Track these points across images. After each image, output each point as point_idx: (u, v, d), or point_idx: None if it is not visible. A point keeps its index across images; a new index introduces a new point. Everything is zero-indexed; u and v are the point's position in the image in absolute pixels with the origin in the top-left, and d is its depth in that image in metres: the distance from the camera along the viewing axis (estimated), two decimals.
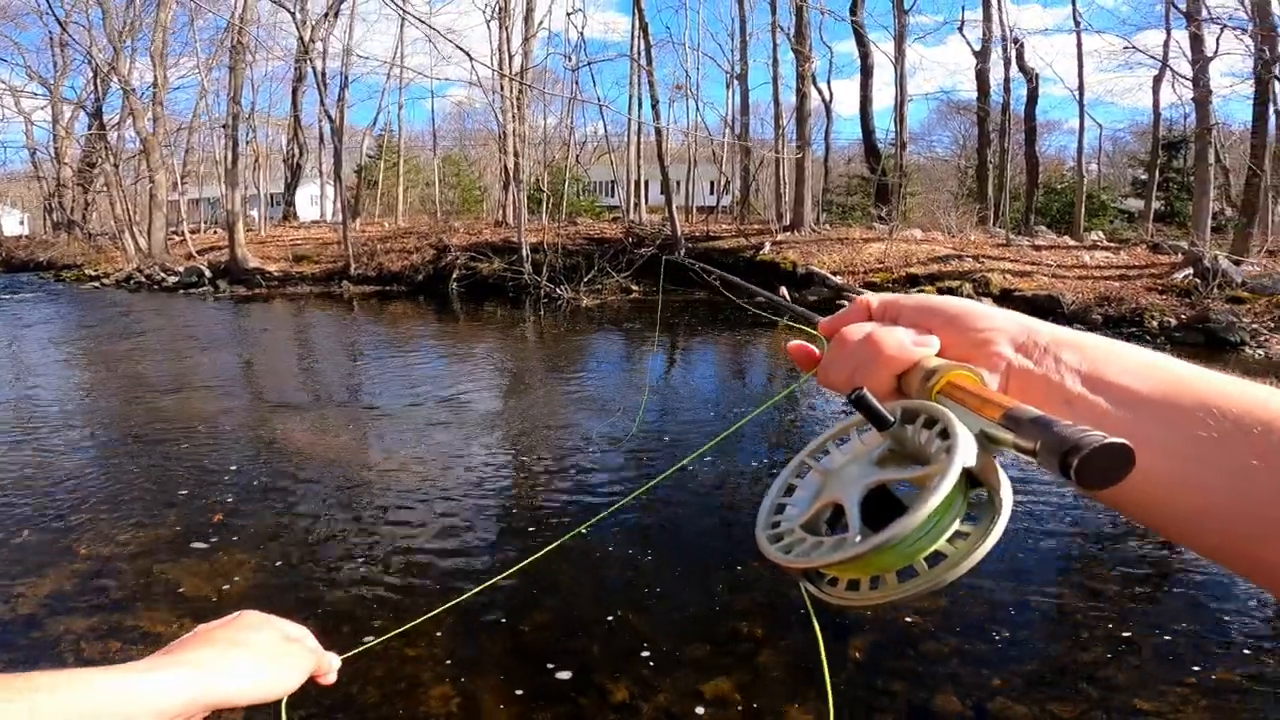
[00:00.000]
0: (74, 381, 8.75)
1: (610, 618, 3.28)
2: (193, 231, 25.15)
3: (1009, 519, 0.35)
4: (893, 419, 0.39)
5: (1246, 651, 2.91)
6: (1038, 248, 15.21)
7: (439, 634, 3.12)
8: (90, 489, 4.85)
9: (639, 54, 18.81)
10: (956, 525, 0.36)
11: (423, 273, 17.53)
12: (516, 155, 18.67)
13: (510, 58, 19.84)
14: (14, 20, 28.04)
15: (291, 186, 30.07)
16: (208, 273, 19.15)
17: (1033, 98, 19.94)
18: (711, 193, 27.74)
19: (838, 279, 14.10)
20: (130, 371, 9.21)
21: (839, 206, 20.67)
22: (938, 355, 0.42)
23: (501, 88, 19.04)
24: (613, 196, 35.56)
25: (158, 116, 22.79)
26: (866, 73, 20.41)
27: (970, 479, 0.36)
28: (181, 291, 18.59)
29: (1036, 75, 19.79)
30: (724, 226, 19.13)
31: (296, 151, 29.41)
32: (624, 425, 6.32)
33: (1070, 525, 4.23)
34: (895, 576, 0.37)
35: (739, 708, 2.67)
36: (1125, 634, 3.10)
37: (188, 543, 3.99)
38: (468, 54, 7.44)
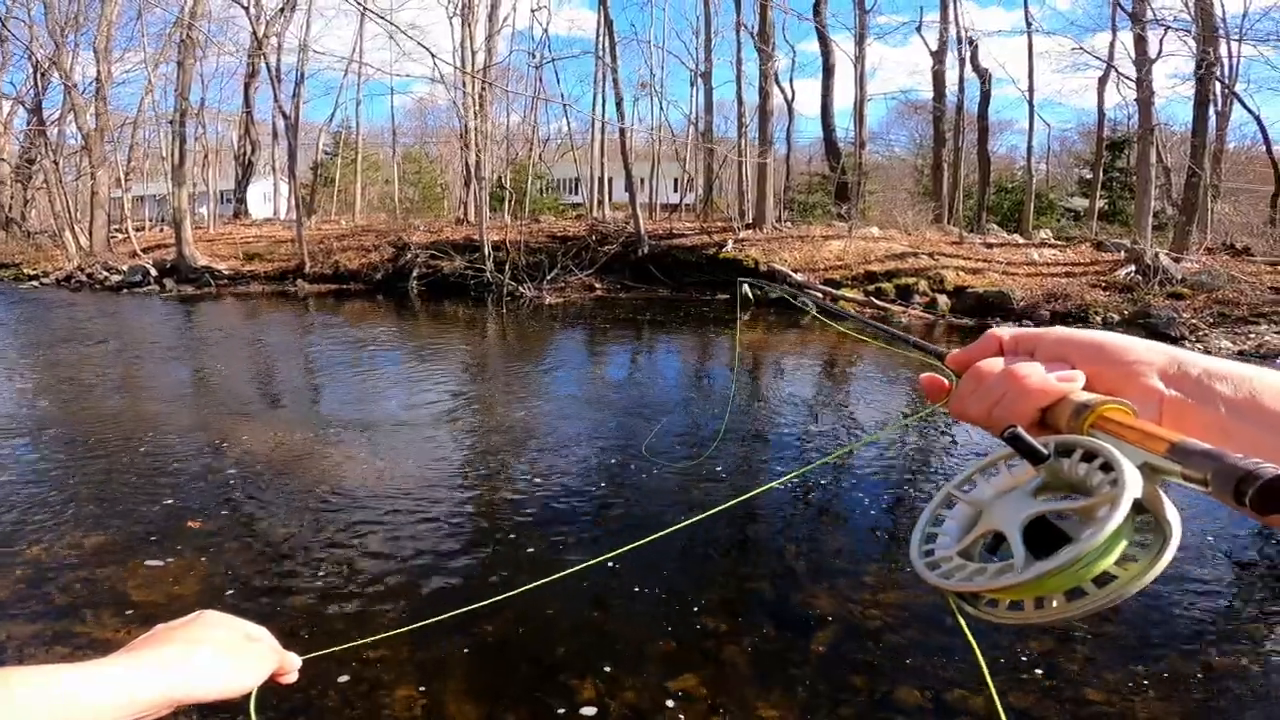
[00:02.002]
0: (11, 384, 8.33)
1: (575, 616, 3.27)
2: (138, 229, 24.20)
3: (1179, 543, 0.38)
4: (1047, 453, 0.42)
5: (1194, 642, 3.03)
6: (989, 245, 15.66)
7: (402, 634, 3.06)
8: (32, 496, 4.63)
9: (604, 51, 18.76)
10: (1123, 549, 0.39)
11: (381, 271, 17.19)
12: (479, 152, 18.45)
13: (473, 54, 19.56)
14: None
15: (243, 183, 29.12)
16: (153, 271, 18.43)
17: (985, 98, 20.53)
18: (675, 190, 27.84)
19: (799, 276, 14.30)
20: (71, 374, 8.81)
21: (800, 204, 20.94)
22: (1083, 389, 0.45)
23: (464, 85, 18.77)
24: (577, 194, 35.47)
25: (100, 112, 21.90)
26: (828, 72, 20.74)
27: (1136, 507, 0.39)
28: (125, 291, 17.86)
29: (989, 76, 20.36)
30: (687, 224, 19.21)
31: (249, 148, 28.49)
32: (598, 425, 6.31)
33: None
34: (1064, 597, 0.40)
35: (707, 703, 2.68)
36: (1075, 623, 3.22)
37: (134, 550, 3.85)
38: (430, 51, 7.32)
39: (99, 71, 21.49)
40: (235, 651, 0.63)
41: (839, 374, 9.11)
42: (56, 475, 5.10)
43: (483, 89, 18.12)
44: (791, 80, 22.16)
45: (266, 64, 21.11)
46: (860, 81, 20.56)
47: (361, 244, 19.03)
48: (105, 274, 18.88)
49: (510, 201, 19.23)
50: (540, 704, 2.68)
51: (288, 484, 4.94)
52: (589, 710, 2.64)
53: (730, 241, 15.99)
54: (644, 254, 15.99)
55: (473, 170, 18.96)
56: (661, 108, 24.57)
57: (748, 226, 17.38)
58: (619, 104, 17.94)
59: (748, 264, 15.02)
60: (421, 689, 2.73)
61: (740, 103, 19.03)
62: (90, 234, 21.64)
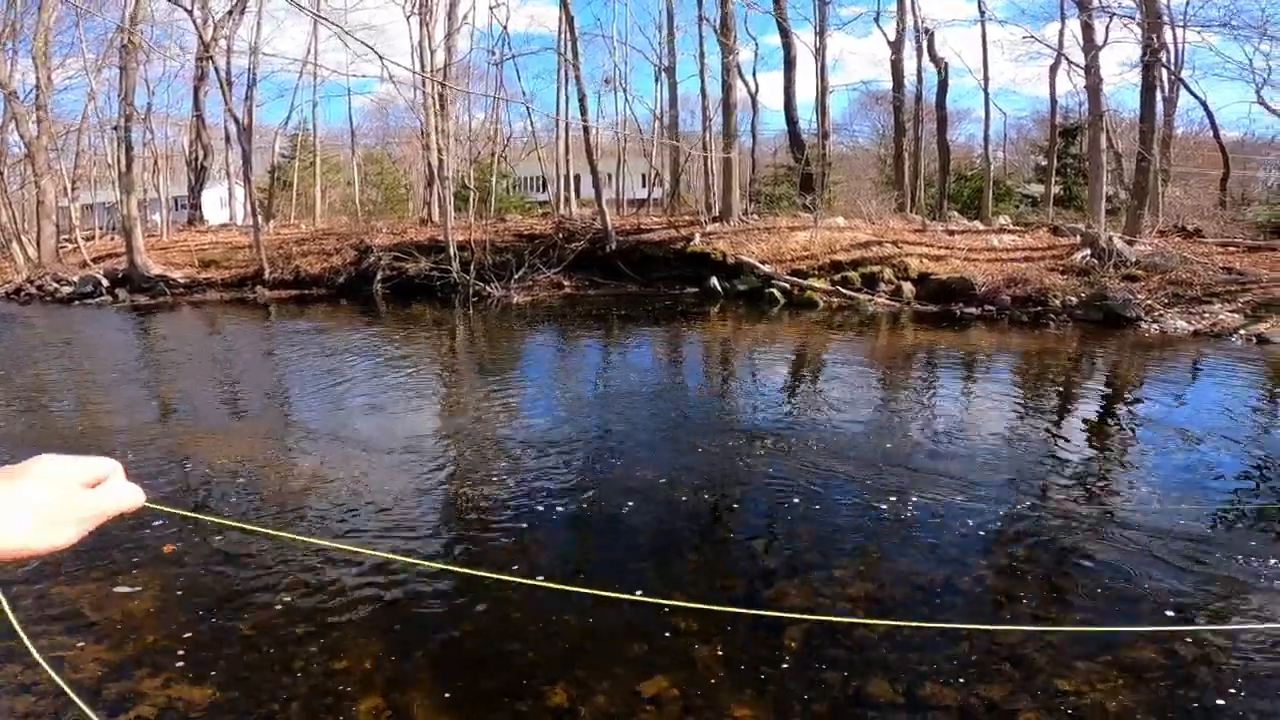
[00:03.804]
0: None
1: (544, 620, 3.22)
2: (87, 238, 23.36)
3: None
4: None
5: (1161, 631, 3.07)
6: (951, 232, 15.91)
7: (368, 644, 3.01)
8: None
9: (565, 47, 18.59)
10: None
11: (344, 275, 16.83)
12: (441, 152, 18.16)
13: (432, 54, 19.22)
14: None
15: (196, 189, 28.25)
16: (105, 281, 17.78)
17: (943, 87, 20.83)
18: (643, 186, 27.78)
19: (766, 268, 14.36)
20: (24, 391, 8.45)
21: (766, 196, 21.04)
22: None
23: (423, 84, 18.43)
24: (543, 192, 35.21)
25: (42, 120, 21.05)
26: (789, 64, 20.84)
27: None
28: (77, 302, 17.22)
29: (946, 65, 20.67)
30: (654, 219, 19.16)
31: (200, 153, 27.63)
32: (566, 423, 6.23)
33: (992, 511, 4.42)
34: None
35: (680, 705, 2.66)
36: (1044, 616, 3.25)
37: (85, 563, 3.69)
38: (379, 54, 7.13)
39: (38, 78, 20.66)
40: (40, 503, 0.55)
41: (805, 362, 9.17)
42: None
43: (442, 88, 17.83)
44: (755, 73, 22.33)
45: (215, 68, 20.47)
46: (822, 73, 20.72)
47: (323, 248, 18.61)
48: (55, 285, 18.18)
49: (475, 201, 18.97)
50: (510, 711, 2.63)
51: (255, 499, 4.79)
52: (560, 715, 2.60)
53: (698, 235, 15.99)
54: (612, 250, 15.91)
55: (435, 170, 18.65)
56: (627, 103, 24.46)
57: (714, 220, 17.41)
58: (582, 101, 17.79)
59: (715, 257, 15.04)
60: (387, 698, 2.68)
61: (704, 96, 19.06)
62: (38, 244, 20.84)
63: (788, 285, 13.87)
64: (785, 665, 2.88)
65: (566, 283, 15.53)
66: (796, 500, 4.53)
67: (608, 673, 2.83)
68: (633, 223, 18.29)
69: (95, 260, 19.76)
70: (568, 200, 22.16)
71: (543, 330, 11.90)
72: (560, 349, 10.49)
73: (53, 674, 0.74)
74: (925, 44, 20.62)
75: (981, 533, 4.02)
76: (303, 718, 2.58)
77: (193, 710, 2.61)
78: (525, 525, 4.26)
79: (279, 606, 3.29)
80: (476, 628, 3.18)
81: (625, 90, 23.17)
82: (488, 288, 14.88)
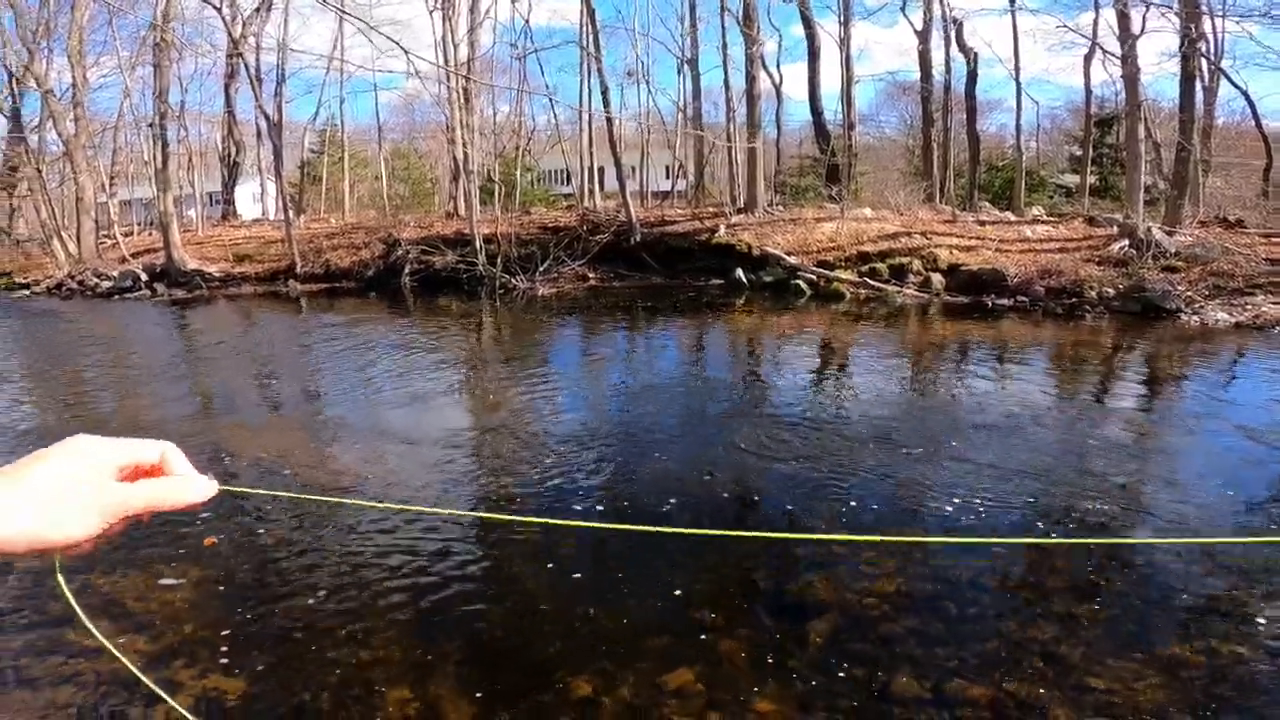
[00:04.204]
0: (9, 396, 8.26)
1: (570, 611, 3.24)
2: (125, 234, 23.99)
3: None
4: None
5: (1196, 628, 3.00)
6: (982, 223, 15.59)
7: (396, 635, 3.04)
8: None
9: (588, 40, 18.55)
10: None
11: (373, 268, 17.08)
12: (465, 146, 18.28)
13: (455, 48, 19.33)
14: None
15: (230, 185, 28.86)
16: (144, 276, 18.29)
17: (972, 77, 20.38)
18: (666, 178, 27.70)
19: (792, 259, 14.23)
20: (69, 384, 8.74)
21: (792, 188, 20.84)
22: None
23: (447, 79, 18.56)
24: (567, 185, 35.26)
25: (79, 118, 21.61)
26: (813, 55, 20.57)
27: None
28: (117, 297, 17.74)
29: (975, 55, 20.20)
30: (679, 211, 19.10)
31: (233, 149, 28.20)
32: (592, 414, 6.27)
33: (1023, 505, 4.35)
34: None
35: (703, 698, 2.66)
36: (1077, 612, 3.18)
37: (126, 556, 3.79)
38: (404, 49, 7.21)
39: (74, 77, 21.19)
40: (51, 492, 0.50)
41: (832, 353, 9.08)
42: None
43: (466, 83, 17.94)
44: (779, 64, 22.00)
45: (245, 64, 20.85)
46: (847, 63, 20.39)
47: (352, 242, 18.90)
48: (96, 280, 18.74)
49: (500, 194, 19.09)
50: (535, 701, 2.65)
51: (291, 489, 4.90)
52: (584, 707, 2.62)
53: (723, 227, 15.90)
54: (636, 242, 15.90)
55: (460, 164, 18.79)
56: (650, 95, 24.38)
57: (739, 211, 17.29)
58: (605, 93, 17.76)
59: (741, 248, 14.95)
60: (415, 689, 2.71)
61: (728, 88, 18.89)
62: (78, 240, 21.45)
63: (814, 277, 13.73)
64: (810, 657, 2.86)
65: (591, 275, 15.56)
66: (824, 492, 4.50)
67: (631, 664, 2.84)
68: (657, 215, 18.25)
69: (134, 255, 20.30)
70: (592, 193, 22.16)
71: (568, 322, 11.96)
72: (586, 340, 10.53)
73: (124, 660, 0.71)
74: (954, 34, 20.18)
75: (1014, 528, 3.95)
76: (332, 708, 2.61)
77: (227, 701, 2.66)
78: (551, 514, 4.29)
79: (311, 600, 3.34)
80: (501, 616, 3.22)
81: (648, 82, 23.09)
82: (513, 280, 14.98)
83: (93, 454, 0.52)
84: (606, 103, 17.92)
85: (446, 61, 18.90)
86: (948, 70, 20.68)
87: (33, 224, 26.32)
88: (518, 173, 22.20)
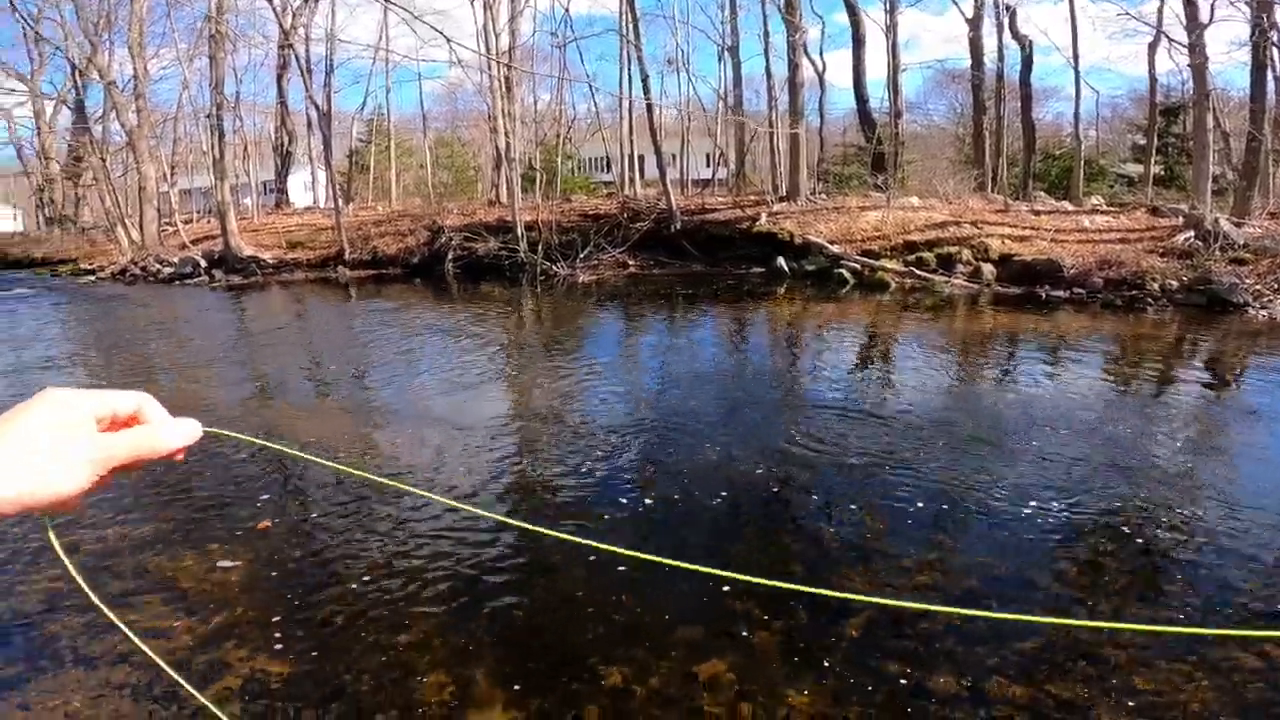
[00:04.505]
0: (76, 377, 8.71)
1: (604, 600, 3.25)
2: (185, 221, 24.97)
3: None
4: None
5: (1246, 630, 2.87)
6: (1037, 213, 15.03)
7: (432, 622, 3.09)
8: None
9: (627, 29, 18.44)
10: None
11: (418, 255, 17.40)
12: (507, 135, 18.42)
13: (496, 37, 19.45)
14: None
15: (282, 174, 29.72)
16: (202, 262, 19.02)
17: (1027, 64, 19.66)
18: (706, 165, 27.47)
19: (835, 248, 13.96)
20: (134, 366, 9.18)
21: (835, 176, 20.41)
22: None
23: (489, 68, 18.70)
24: (607, 172, 35.29)
25: (141, 109, 22.46)
26: (858, 42, 20.05)
27: None
28: (177, 282, 18.49)
29: (1030, 42, 19.49)
30: (720, 199, 18.91)
31: (285, 138, 29.00)
32: (631, 400, 6.28)
33: (1065, 501, 4.20)
34: None
35: (735, 689, 2.64)
36: (1123, 611, 3.07)
37: (183, 537, 3.95)
38: (446, 38, 7.27)
39: (135, 69, 22.01)
40: (39, 448, 0.46)
41: (877, 342, 8.89)
42: None
43: (507, 72, 18.04)
44: (822, 51, 21.50)
45: (295, 55, 21.36)
46: (894, 51, 19.81)
47: (398, 229, 19.29)
48: (158, 267, 19.56)
49: (541, 182, 19.21)
50: (566, 689, 2.67)
51: (335, 468, 5.05)
52: (615, 695, 2.63)
53: (764, 215, 15.69)
54: (676, 230, 15.82)
55: (502, 152, 18.95)
56: (690, 83, 24.15)
57: (781, 200, 17.03)
58: (645, 81, 17.64)
59: (783, 237, 14.74)
60: (451, 674, 2.75)
61: (769, 76, 18.60)
62: (141, 228, 22.40)
63: (858, 266, 13.45)
64: (845, 653, 2.82)
65: (631, 262, 15.56)
66: (863, 483, 4.43)
67: (664, 653, 2.84)
68: (697, 202, 18.11)
69: (193, 242, 21.12)
70: (632, 180, 22.14)
71: (608, 309, 11.99)
72: (626, 327, 10.54)
73: (139, 642, 0.68)
74: (1007, 21, 19.42)
75: (1063, 525, 3.81)
76: (372, 690, 2.67)
77: (272, 682, 2.73)
78: (588, 500, 4.32)
79: (355, 585, 3.41)
80: (537, 605, 3.24)
81: (688, 70, 22.86)
82: (554, 267, 15.08)
83: (73, 406, 0.49)
84: (647, 90, 17.82)
85: (487, 50, 19.05)
86: (1001, 58, 19.95)
87: (97, 212, 27.61)
88: (558, 160, 22.29)
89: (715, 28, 22.65)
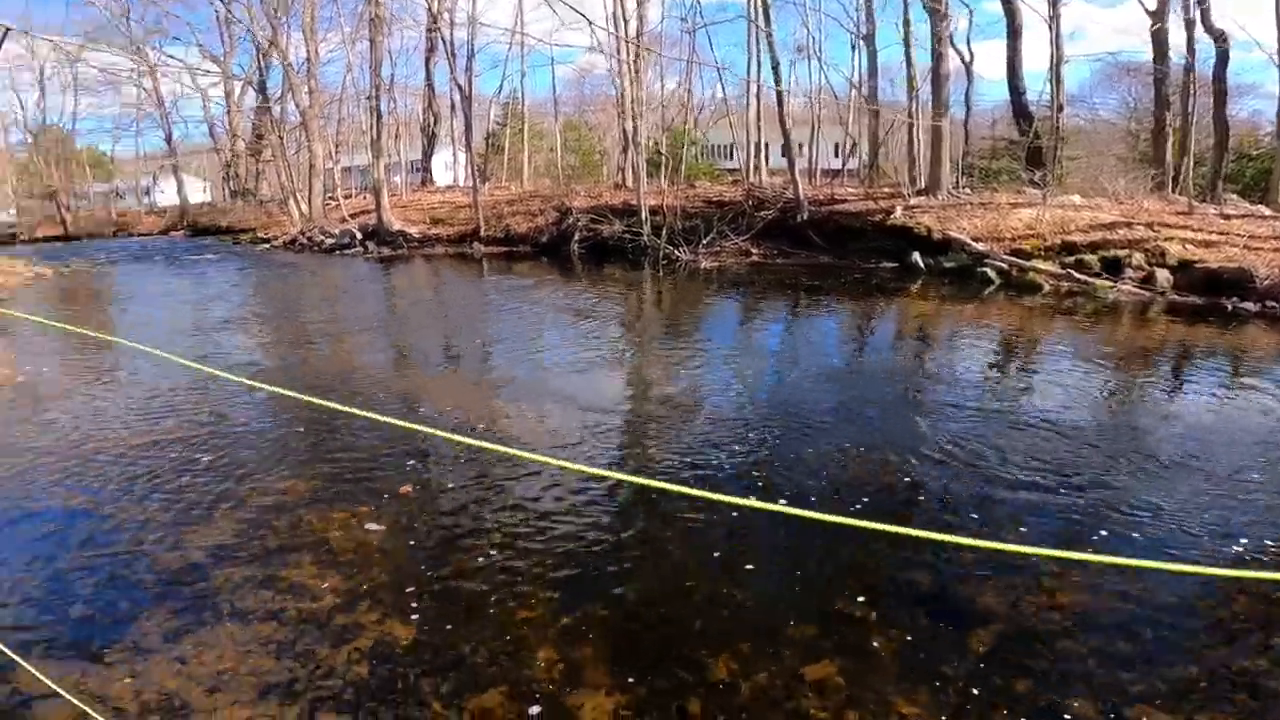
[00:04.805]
0: (247, 337, 9.82)
1: (715, 591, 3.22)
2: (345, 197, 27.30)
3: None
4: None
5: None
6: (1226, 216, 13.16)
7: (549, 599, 3.15)
8: (257, 439, 5.32)
9: (758, 15, 17.97)
10: None
11: (547, 235, 18.03)
12: (635, 119, 18.58)
13: (625, 22, 19.63)
14: (183, 1, 31.11)
15: (428, 154, 31.79)
16: (358, 235, 20.81)
17: (1222, 60, 17.27)
18: (835, 155, 26.38)
19: (979, 245, 12.95)
20: (294, 328, 10.22)
21: (981, 170, 18.92)
22: None
23: (619, 52, 18.91)
24: (731, 159, 34.81)
25: (313, 90, 24.64)
26: (1014, 34, 18.36)
27: None
28: (337, 252, 20.38)
29: (1227, 36, 17.01)
30: (850, 190, 18.11)
31: (431, 120, 30.95)
32: (748, 390, 6.20)
33: (1226, 528, 3.67)
34: None
35: (843, 694, 2.55)
36: None
37: (335, 496, 4.23)
38: (585, 16, 7.42)
39: (308, 51, 24.15)
40: None
41: (1022, 347, 8.16)
42: (278, 421, 5.81)
43: (637, 56, 18.15)
44: (969, 42, 19.94)
45: (443, 38, 22.57)
46: (1056, 42, 17.99)
47: (529, 209, 20.08)
48: (321, 238, 21.63)
49: (667, 167, 19.25)
50: (672, 676, 2.66)
51: (469, 433, 5.35)
52: (720, 687, 2.60)
53: (899, 208, 14.85)
54: (803, 219, 15.34)
55: (629, 136, 19.16)
56: (821, 71, 23.18)
57: (919, 193, 16.03)
58: (775, 68, 17.14)
59: (919, 231, 13.89)
60: (561, 651, 2.80)
61: (910, 65, 17.46)
62: (309, 202, 24.78)
63: (1005, 265, 12.41)
64: (968, 668, 2.64)
65: (754, 250, 15.28)
66: (1003, 496, 4.09)
67: (773, 651, 2.78)
68: (826, 193, 17.44)
69: (351, 216, 23.10)
70: (757, 168, 21.73)
71: (730, 296, 11.86)
72: (746, 315, 10.38)
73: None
74: (1199, 14, 17.01)
75: (1234, 559, 3.33)
76: (486, 662, 2.76)
77: (398, 646, 2.87)
78: (695, 488, 4.29)
79: (481, 558, 3.53)
80: (650, 591, 3.24)
81: (819, 58, 21.97)
82: (676, 252, 15.12)
83: None
84: (777, 78, 17.32)
85: (616, 35, 19.28)
86: (1189, 51, 17.56)
87: (274, 186, 30.85)
88: (684, 146, 22.22)
89: (849, 15, 21.59)
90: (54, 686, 2.52)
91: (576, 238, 17.19)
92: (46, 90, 36.49)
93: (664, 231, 15.56)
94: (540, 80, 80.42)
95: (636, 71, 18.84)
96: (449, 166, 36.19)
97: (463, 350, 8.72)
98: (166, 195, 41.22)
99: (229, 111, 34.01)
